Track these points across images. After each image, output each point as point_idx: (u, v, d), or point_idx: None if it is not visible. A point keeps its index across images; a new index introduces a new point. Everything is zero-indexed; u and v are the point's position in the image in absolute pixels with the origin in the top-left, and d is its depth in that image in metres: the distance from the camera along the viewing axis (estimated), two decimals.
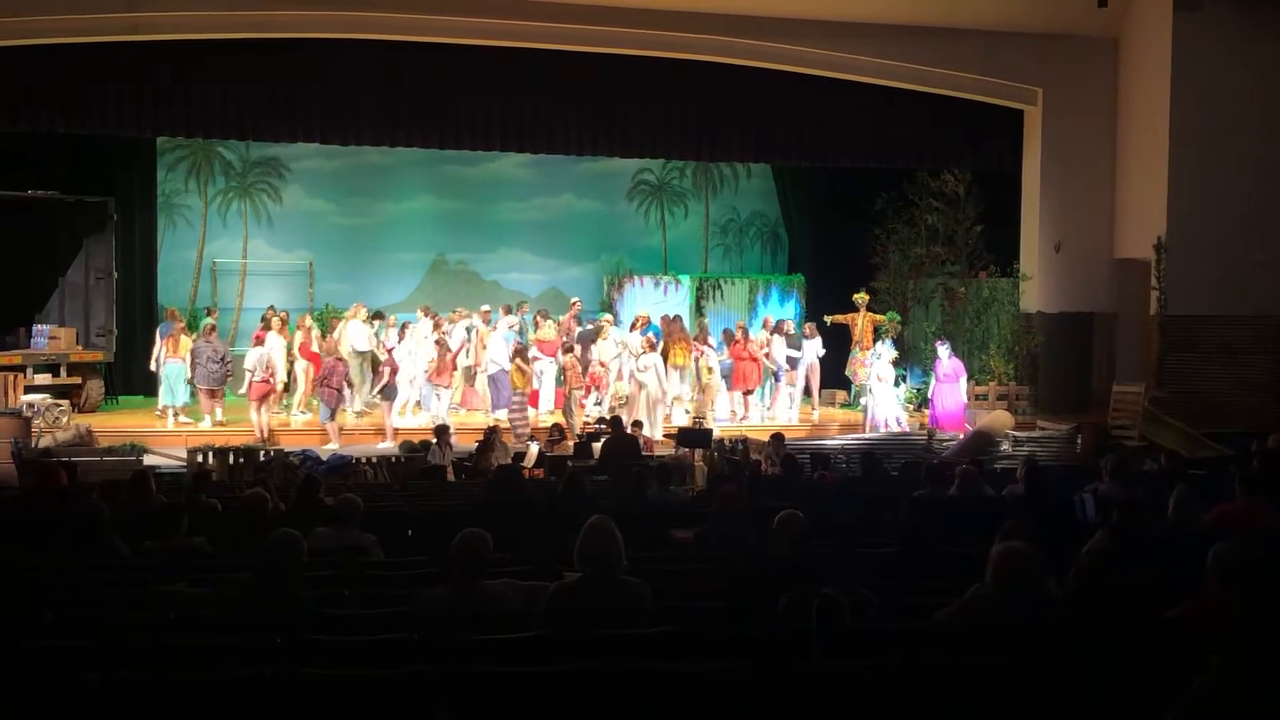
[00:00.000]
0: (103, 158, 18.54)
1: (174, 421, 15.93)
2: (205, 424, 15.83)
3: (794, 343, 17.74)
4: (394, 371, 16.00)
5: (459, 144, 18.23)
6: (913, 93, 17.84)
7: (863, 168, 18.92)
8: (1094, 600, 4.81)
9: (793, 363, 17.64)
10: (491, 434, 13.50)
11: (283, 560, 5.25)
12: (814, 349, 17.89)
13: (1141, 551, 6.27)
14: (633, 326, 17.54)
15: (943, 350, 16.62)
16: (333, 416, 15.49)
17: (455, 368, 16.97)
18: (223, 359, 15.86)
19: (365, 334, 16.75)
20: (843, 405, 19.07)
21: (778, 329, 17.92)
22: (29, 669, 4.36)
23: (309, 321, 17.34)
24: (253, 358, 15.49)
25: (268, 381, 15.43)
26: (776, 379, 17.80)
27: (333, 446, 14.99)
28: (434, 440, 13.66)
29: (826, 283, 20.20)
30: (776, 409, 17.85)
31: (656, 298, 20.40)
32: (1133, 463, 10.25)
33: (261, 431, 15.17)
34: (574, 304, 18.82)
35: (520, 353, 16.19)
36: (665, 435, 15.59)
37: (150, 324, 18.41)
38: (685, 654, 4.40)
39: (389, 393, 15.93)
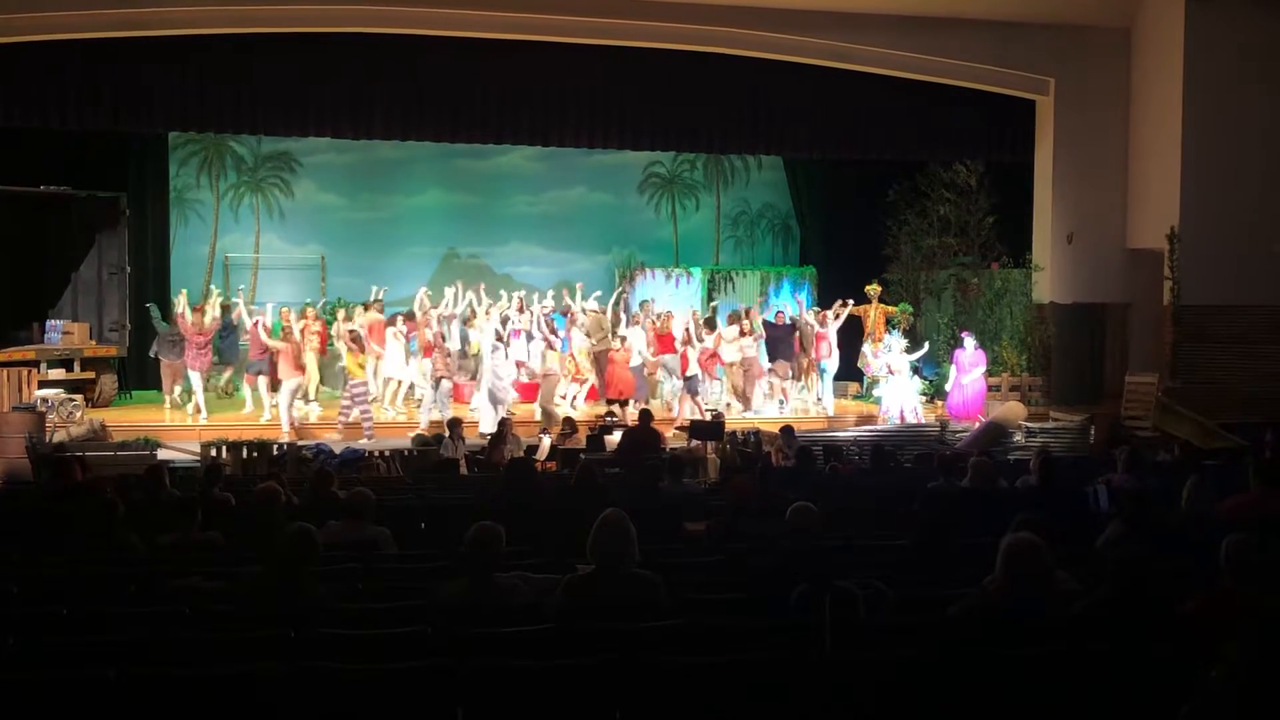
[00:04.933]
0: (115, 153, 18.58)
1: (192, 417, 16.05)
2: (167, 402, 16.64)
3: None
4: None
5: (470, 138, 18.22)
6: (924, 83, 17.76)
7: (875, 159, 18.84)
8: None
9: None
10: (504, 426, 13.44)
11: (296, 554, 5.27)
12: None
13: (1155, 543, 6.24)
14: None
15: (969, 341, 16.56)
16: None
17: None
18: (181, 340, 16.09)
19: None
20: (855, 397, 19.03)
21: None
22: (45, 664, 4.38)
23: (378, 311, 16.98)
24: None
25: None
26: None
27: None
28: (447, 434, 13.63)
29: (838, 274, 20.17)
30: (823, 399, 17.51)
31: (668, 290, 20.39)
32: (1146, 453, 10.25)
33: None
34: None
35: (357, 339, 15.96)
36: (677, 428, 15.58)
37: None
38: (698, 647, 4.40)
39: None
